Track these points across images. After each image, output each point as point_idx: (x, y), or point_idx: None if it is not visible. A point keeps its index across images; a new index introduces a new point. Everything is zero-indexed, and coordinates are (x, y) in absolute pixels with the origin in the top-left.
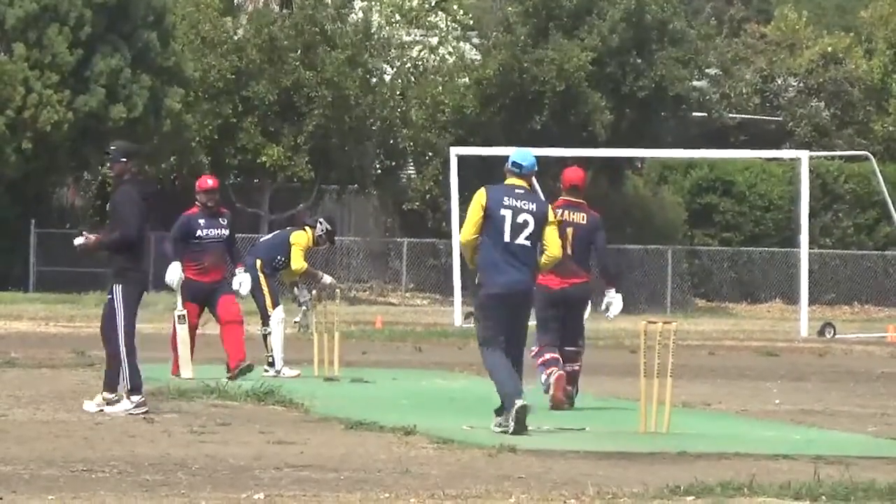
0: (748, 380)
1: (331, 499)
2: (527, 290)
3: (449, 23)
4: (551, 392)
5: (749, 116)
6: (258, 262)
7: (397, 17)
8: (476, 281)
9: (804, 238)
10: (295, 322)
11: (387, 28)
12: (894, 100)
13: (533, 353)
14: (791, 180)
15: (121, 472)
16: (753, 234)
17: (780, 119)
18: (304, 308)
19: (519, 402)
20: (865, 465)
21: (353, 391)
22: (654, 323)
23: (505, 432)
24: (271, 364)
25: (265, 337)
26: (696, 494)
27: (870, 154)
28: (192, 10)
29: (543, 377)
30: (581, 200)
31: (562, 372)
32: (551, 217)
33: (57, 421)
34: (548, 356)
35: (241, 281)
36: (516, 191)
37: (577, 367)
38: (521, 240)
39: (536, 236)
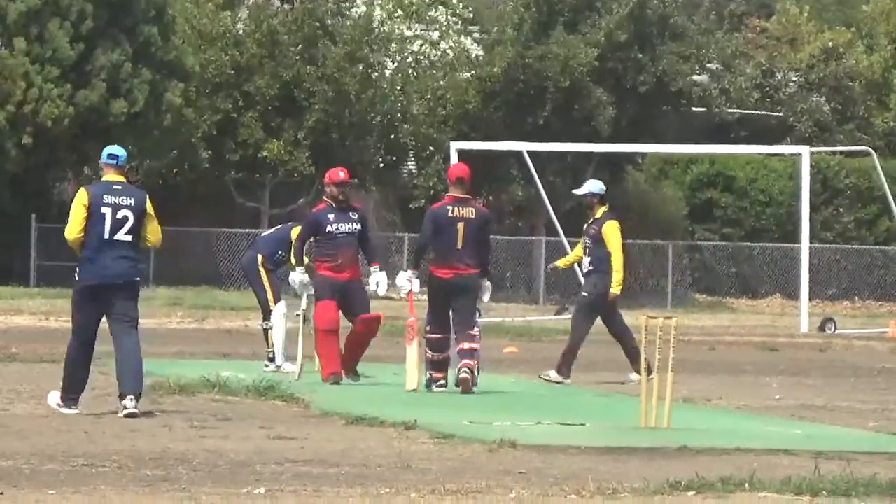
0: (748, 375)
1: (331, 494)
2: (125, 281)
3: (449, 17)
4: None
5: (750, 111)
6: (259, 257)
7: (398, 11)
8: (75, 275)
9: (805, 233)
10: (297, 315)
11: (388, 22)
12: (895, 95)
13: (427, 332)
14: (792, 175)
15: (121, 467)
16: (754, 229)
17: (780, 114)
18: (307, 300)
19: (75, 410)
20: (866, 460)
21: (353, 386)
22: (655, 318)
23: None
24: (272, 359)
25: (266, 332)
26: (696, 489)
27: (870, 149)
28: (191, 5)
29: (427, 375)
30: (468, 196)
31: (442, 384)
32: (149, 208)
33: (58, 416)
34: (438, 357)
35: (378, 280)
36: (114, 187)
37: (475, 346)
38: (121, 235)
39: (136, 230)
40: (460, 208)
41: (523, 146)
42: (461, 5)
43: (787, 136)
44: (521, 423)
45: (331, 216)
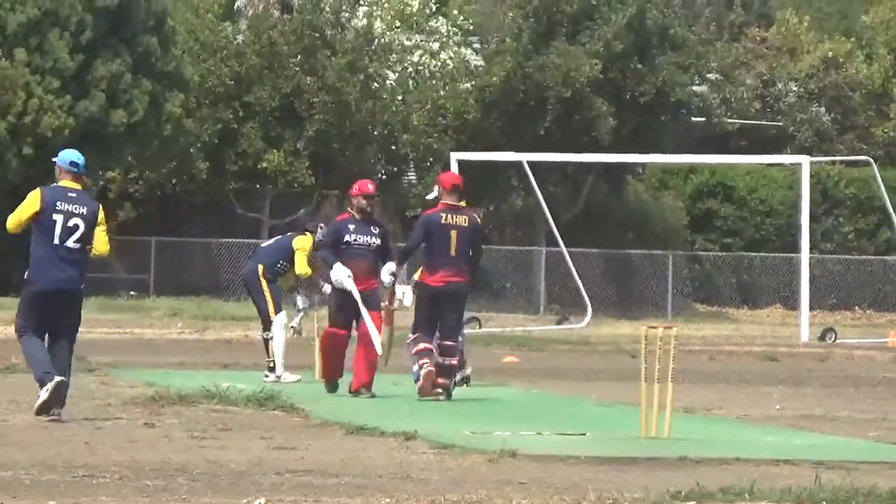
0: (749, 385)
1: None
2: (73, 287)
3: (449, 27)
4: (420, 383)
5: (750, 121)
6: (260, 268)
7: (398, 22)
8: (25, 275)
9: (805, 243)
10: (291, 327)
11: (388, 33)
12: (895, 104)
13: (409, 340)
14: (792, 185)
15: (122, 478)
16: (754, 239)
17: (780, 124)
18: (301, 314)
19: (56, 379)
20: (866, 470)
21: (353, 397)
22: (655, 328)
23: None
24: (272, 369)
25: (266, 342)
26: (696, 499)
27: (870, 159)
28: (191, 15)
29: (416, 367)
30: (461, 203)
31: (432, 368)
32: (101, 218)
33: (58, 426)
34: (422, 346)
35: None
36: (69, 194)
37: (454, 362)
38: (70, 242)
39: (86, 238)
40: (453, 216)
41: (523, 156)
42: (461, 16)
43: (787, 146)
44: (522, 433)
45: (351, 227)
